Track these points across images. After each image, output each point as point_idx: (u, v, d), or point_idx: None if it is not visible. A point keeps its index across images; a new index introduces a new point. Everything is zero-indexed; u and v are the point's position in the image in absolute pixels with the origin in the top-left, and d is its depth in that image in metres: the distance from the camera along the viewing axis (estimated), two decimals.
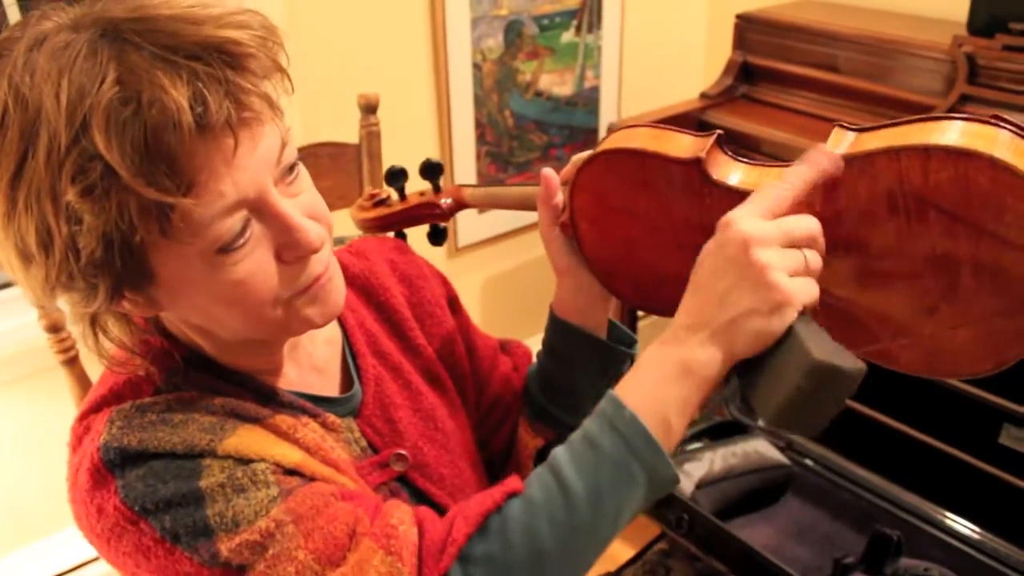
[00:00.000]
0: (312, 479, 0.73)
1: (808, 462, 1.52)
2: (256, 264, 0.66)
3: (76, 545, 1.90)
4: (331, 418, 0.82)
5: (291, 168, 0.68)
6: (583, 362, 0.93)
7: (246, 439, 0.71)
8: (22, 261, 0.63)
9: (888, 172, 0.65)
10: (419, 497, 0.88)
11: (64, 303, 0.67)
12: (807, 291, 0.64)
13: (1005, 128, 0.63)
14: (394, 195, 1.02)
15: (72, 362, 1.31)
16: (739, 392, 0.68)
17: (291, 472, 0.72)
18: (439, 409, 0.92)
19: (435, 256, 2.24)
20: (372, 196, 1.03)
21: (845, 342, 0.68)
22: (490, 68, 2.16)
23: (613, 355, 0.93)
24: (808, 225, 0.66)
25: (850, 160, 0.66)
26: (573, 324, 0.92)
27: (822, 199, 0.69)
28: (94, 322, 0.69)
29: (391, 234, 1.05)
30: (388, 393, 0.88)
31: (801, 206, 0.68)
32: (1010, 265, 0.63)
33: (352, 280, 0.91)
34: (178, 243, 0.62)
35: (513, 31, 2.17)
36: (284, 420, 0.76)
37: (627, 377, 0.70)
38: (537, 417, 0.98)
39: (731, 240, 0.64)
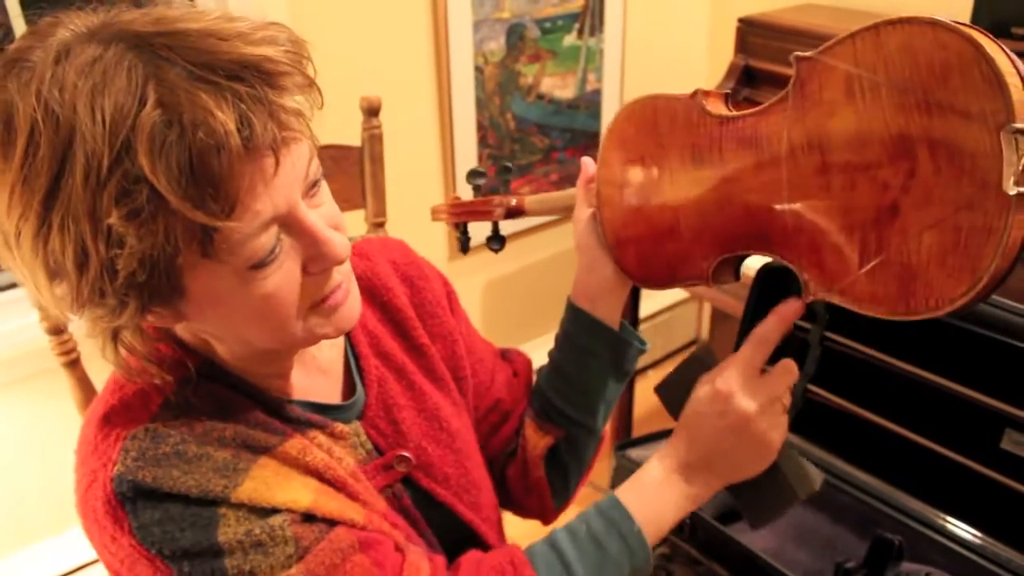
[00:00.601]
0: (326, 520, 0.74)
1: None
2: (284, 277, 0.67)
3: (77, 547, 1.90)
4: (338, 427, 0.83)
5: (316, 182, 0.69)
6: (596, 352, 0.96)
7: (260, 483, 0.72)
8: (49, 279, 0.62)
9: (845, 57, 0.70)
10: (424, 497, 0.89)
11: (87, 319, 0.66)
12: (786, 428, 0.83)
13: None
14: (471, 193, 1.15)
15: (73, 364, 1.32)
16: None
17: (307, 517, 0.73)
18: (443, 409, 0.93)
19: (438, 258, 2.24)
20: (456, 197, 1.16)
21: (818, 279, 0.74)
22: (492, 71, 2.16)
23: (624, 347, 0.96)
24: (788, 380, 0.83)
25: (814, 58, 0.71)
26: (587, 311, 0.95)
27: (793, 100, 0.73)
28: (116, 335, 0.69)
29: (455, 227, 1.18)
30: (392, 394, 0.89)
31: (771, 113, 0.74)
32: (964, 140, 0.64)
33: (357, 279, 0.92)
34: (216, 262, 0.62)
35: (515, 34, 2.17)
36: (293, 445, 0.76)
37: (633, 489, 0.86)
38: (545, 416, 1.00)
39: (733, 413, 0.81)
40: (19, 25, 1.63)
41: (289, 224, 0.66)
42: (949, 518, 1.36)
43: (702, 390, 0.83)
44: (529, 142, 2.33)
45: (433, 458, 0.90)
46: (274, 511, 0.72)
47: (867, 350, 1.42)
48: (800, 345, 1.51)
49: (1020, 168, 0.62)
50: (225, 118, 0.57)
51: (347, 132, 1.55)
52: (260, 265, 0.64)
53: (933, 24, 0.64)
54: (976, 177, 0.64)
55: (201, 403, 0.75)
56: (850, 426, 1.48)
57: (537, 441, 1.00)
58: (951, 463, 1.35)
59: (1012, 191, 0.62)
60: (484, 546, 0.95)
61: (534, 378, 1.06)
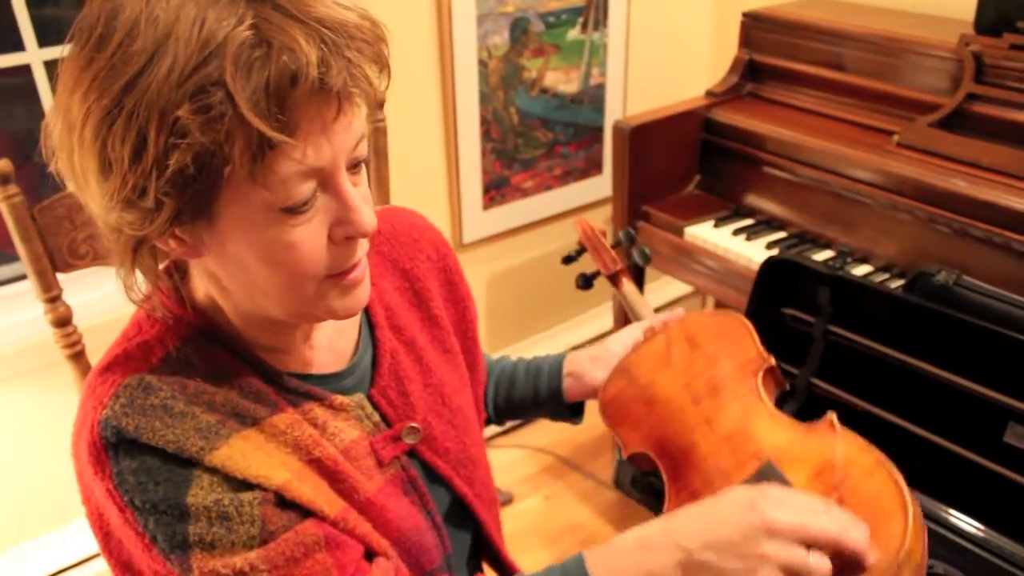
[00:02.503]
0: (298, 507, 0.76)
1: None
2: (310, 232, 0.69)
3: (80, 540, 1.91)
4: (338, 399, 0.84)
5: (359, 164, 0.72)
6: (544, 404, 1.14)
7: (236, 452, 0.73)
8: (101, 169, 0.65)
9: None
10: (425, 471, 0.91)
11: (116, 225, 0.69)
12: None
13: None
14: (610, 238, 1.34)
15: (78, 356, 1.32)
16: None
17: (279, 499, 0.75)
18: (447, 385, 0.96)
19: None
20: (604, 231, 1.33)
21: None
22: (496, 65, 2.16)
23: (564, 416, 1.16)
24: (826, 532, 0.68)
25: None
26: (564, 377, 1.12)
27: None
28: (137, 248, 0.71)
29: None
30: (402, 366, 0.91)
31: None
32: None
33: (379, 246, 0.96)
34: (256, 187, 0.65)
35: (519, 28, 2.17)
36: (283, 419, 0.78)
37: (602, 549, 0.74)
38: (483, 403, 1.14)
39: (756, 513, 0.68)
40: (23, 18, 1.63)
41: (327, 184, 0.69)
42: (952, 511, 1.36)
43: (743, 492, 0.72)
44: (533, 136, 2.33)
45: (436, 432, 0.92)
46: (247, 486, 0.73)
47: (871, 344, 1.42)
48: (804, 339, 1.51)
49: None
50: (309, 50, 0.62)
51: None
52: (292, 211, 0.67)
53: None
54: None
55: (201, 363, 0.77)
56: (853, 419, 1.48)
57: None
58: (954, 456, 1.35)
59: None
60: (476, 522, 0.98)
61: None
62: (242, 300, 0.77)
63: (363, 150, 0.72)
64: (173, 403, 0.73)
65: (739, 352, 0.97)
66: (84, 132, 0.64)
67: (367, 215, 0.71)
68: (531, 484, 2.35)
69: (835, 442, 0.83)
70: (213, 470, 0.72)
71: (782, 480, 0.79)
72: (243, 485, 0.73)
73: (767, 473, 0.80)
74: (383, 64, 0.70)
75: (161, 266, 0.77)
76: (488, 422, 1.17)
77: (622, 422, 0.99)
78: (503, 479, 2.34)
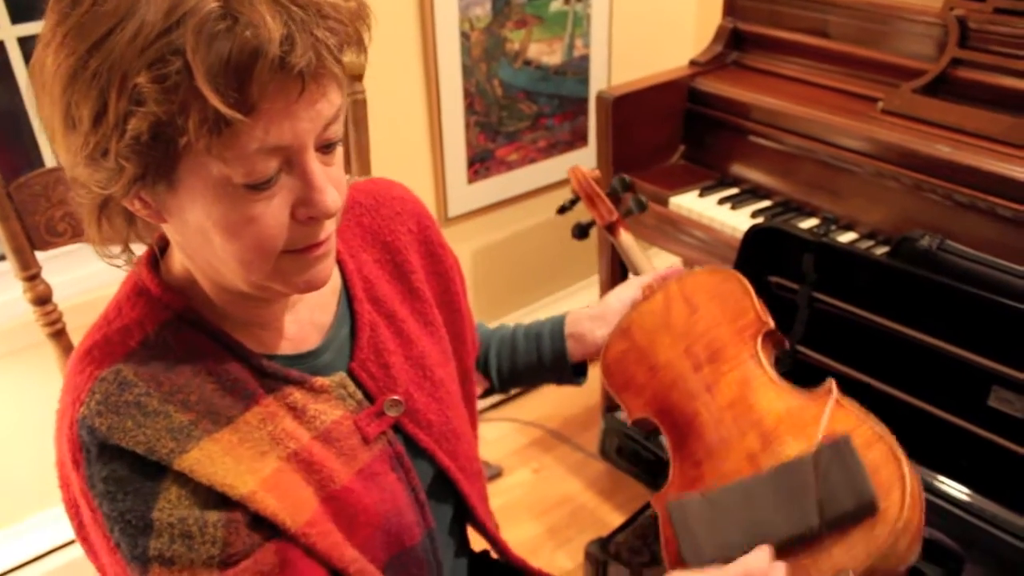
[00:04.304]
0: (263, 527, 0.76)
1: None
2: (270, 209, 0.69)
3: (65, 523, 1.90)
4: (318, 381, 0.84)
5: (331, 145, 0.71)
6: (546, 366, 1.13)
7: (205, 456, 0.74)
8: (66, 125, 0.66)
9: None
10: (409, 444, 0.91)
11: (83, 182, 0.69)
12: None
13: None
14: (605, 188, 1.29)
15: (59, 335, 1.31)
16: None
17: (249, 519, 0.75)
18: (429, 357, 0.95)
19: None
20: (599, 179, 1.28)
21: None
22: (478, 37, 2.14)
23: (568, 378, 1.15)
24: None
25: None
26: (565, 338, 1.11)
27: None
28: (103, 206, 0.71)
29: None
30: (382, 339, 0.90)
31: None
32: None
33: (359, 217, 0.95)
34: (214, 160, 0.64)
35: None
36: (256, 413, 0.78)
37: None
38: (483, 370, 1.16)
39: None
40: (4, 20, 1.61)
41: (293, 163, 0.68)
42: (938, 476, 1.37)
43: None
44: (517, 109, 2.32)
45: (419, 404, 0.92)
46: (213, 501, 0.74)
47: (855, 310, 1.43)
48: (789, 306, 1.51)
49: None
50: (273, 27, 0.61)
51: None
52: (254, 187, 0.66)
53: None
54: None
55: (179, 347, 0.77)
56: (840, 385, 1.49)
57: (477, 380, 1.14)
58: (939, 421, 1.36)
59: None
60: (459, 496, 0.98)
61: None
62: (206, 269, 0.76)
63: (335, 132, 0.70)
64: (147, 400, 0.73)
65: (738, 314, 0.97)
66: (53, 88, 0.65)
67: (331, 196, 0.70)
68: (520, 457, 2.36)
69: (835, 411, 0.85)
70: (181, 477, 0.72)
71: (855, 457, 0.80)
72: (210, 497, 0.74)
73: (842, 450, 0.81)
74: (360, 45, 0.69)
75: (151, 239, 0.78)
76: (491, 391, 1.17)
77: (626, 387, 1.00)
78: (492, 452, 2.35)
